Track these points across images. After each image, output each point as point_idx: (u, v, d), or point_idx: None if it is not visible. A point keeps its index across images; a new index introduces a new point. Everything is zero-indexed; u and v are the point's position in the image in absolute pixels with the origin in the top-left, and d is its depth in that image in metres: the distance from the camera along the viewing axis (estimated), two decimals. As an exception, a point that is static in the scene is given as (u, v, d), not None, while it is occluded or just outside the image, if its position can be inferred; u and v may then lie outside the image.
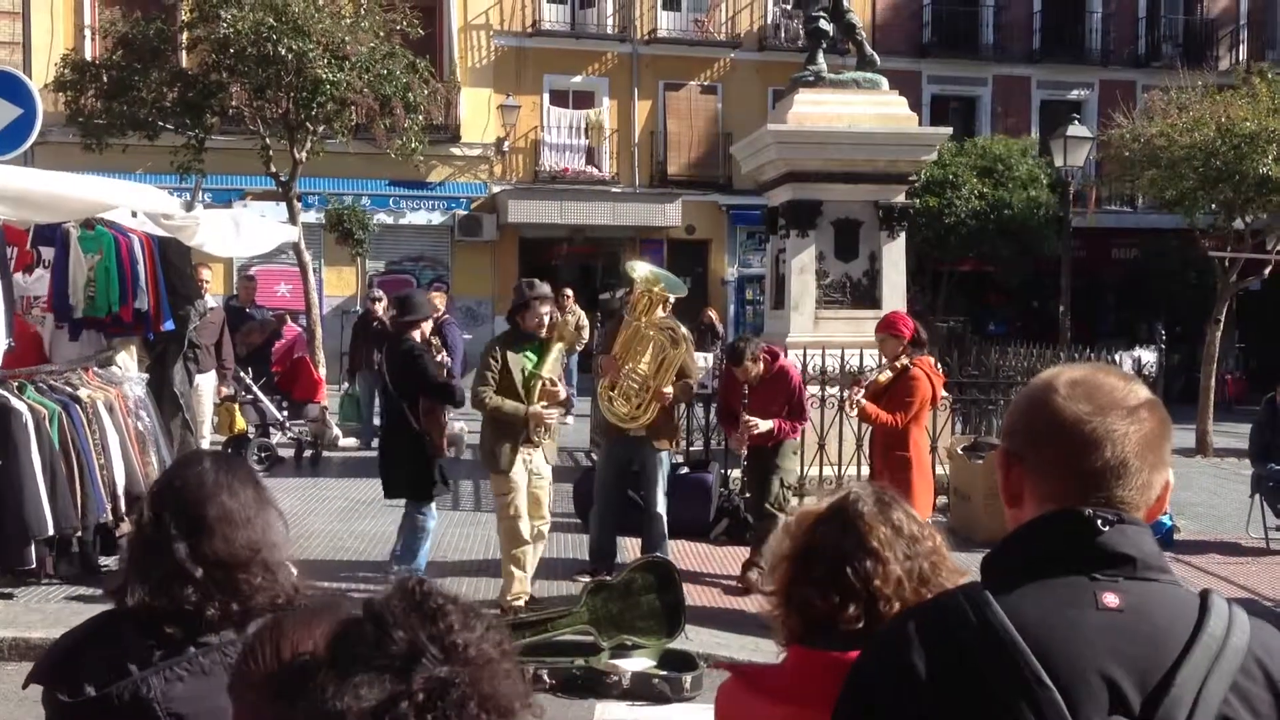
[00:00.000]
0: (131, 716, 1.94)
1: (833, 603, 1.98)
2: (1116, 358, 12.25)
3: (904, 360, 7.40)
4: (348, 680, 1.23)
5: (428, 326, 8.26)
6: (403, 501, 7.81)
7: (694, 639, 6.93)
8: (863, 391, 7.42)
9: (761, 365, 7.96)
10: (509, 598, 7.25)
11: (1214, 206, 16.49)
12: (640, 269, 8.24)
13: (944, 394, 10.26)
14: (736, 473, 10.33)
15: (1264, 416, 11.14)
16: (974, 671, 1.50)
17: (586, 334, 16.45)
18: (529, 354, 7.36)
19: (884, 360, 7.59)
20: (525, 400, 7.23)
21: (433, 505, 7.97)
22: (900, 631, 1.59)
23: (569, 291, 17.84)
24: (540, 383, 7.28)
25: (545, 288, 7.66)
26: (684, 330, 8.01)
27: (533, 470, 7.39)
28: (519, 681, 1.30)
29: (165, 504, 2.08)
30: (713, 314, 20.34)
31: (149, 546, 2.04)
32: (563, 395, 7.44)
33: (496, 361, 7.29)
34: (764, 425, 7.86)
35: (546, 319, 7.43)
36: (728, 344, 9.41)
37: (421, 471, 7.75)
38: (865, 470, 9.40)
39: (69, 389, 7.66)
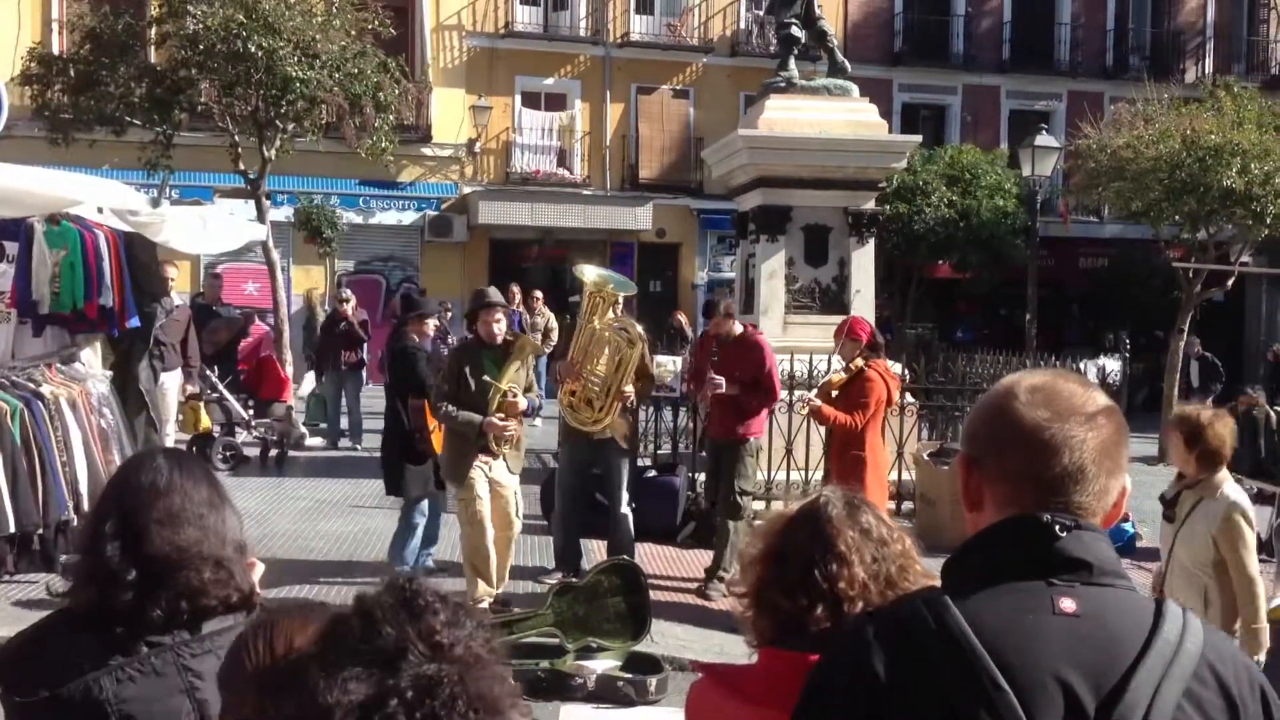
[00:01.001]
0: (84, 717, 1.92)
1: (801, 605, 1.99)
2: (1081, 366, 12.35)
3: (858, 362, 7.56)
4: (336, 675, 1.23)
5: (431, 325, 8.30)
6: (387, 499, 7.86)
7: (660, 642, 6.94)
8: (814, 393, 7.50)
9: (734, 322, 8.11)
10: (472, 600, 7.23)
11: (1179, 218, 16.65)
12: (589, 272, 8.24)
13: (909, 399, 10.34)
14: (703, 475, 10.36)
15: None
16: (932, 675, 1.51)
17: (556, 337, 16.44)
18: (490, 363, 7.34)
19: (845, 363, 7.75)
20: (485, 411, 7.22)
21: (424, 504, 7.97)
22: (859, 635, 1.60)
23: (538, 294, 17.83)
24: (498, 394, 7.25)
25: (495, 296, 7.66)
26: (639, 329, 8.00)
27: (494, 479, 7.36)
28: (508, 681, 1.31)
29: (111, 502, 2.06)
30: (682, 318, 20.38)
31: (91, 545, 2.03)
32: (523, 406, 7.39)
33: (454, 371, 7.30)
34: (725, 386, 7.86)
35: (498, 328, 7.42)
36: (707, 301, 9.63)
37: (409, 469, 7.81)
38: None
39: (31, 385, 7.58)
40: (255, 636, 1.55)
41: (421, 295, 17.02)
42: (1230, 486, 4.91)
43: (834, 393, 7.70)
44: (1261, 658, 4.73)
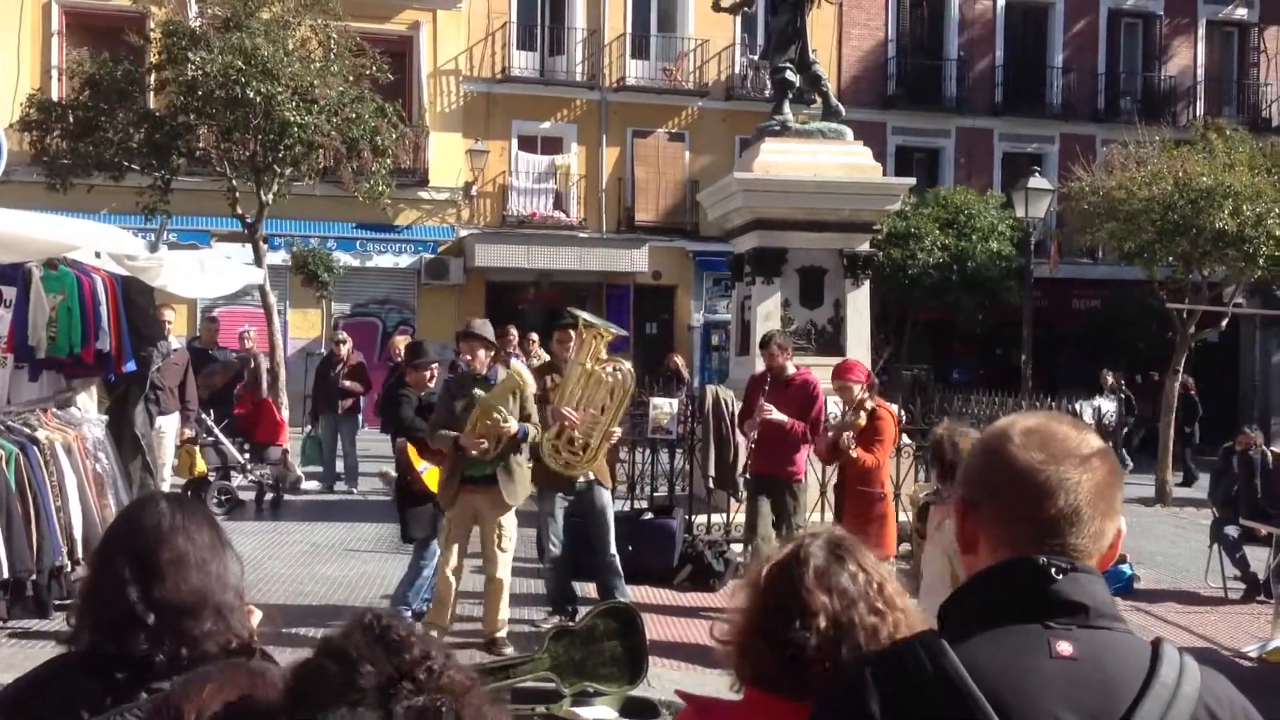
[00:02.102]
0: (83, 763, 1.91)
1: (781, 657, 1.98)
2: (1077, 407, 12.36)
3: (869, 403, 7.71)
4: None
5: (431, 373, 8.35)
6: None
7: (656, 686, 6.88)
8: (852, 436, 7.61)
9: (786, 359, 8.37)
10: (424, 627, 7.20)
11: (1172, 259, 16.73)
12: (583, 315, 8.27)
13: (905, 440, 10.35)
14: (701, 519, 10.33)
15: (1221, 465, 11.29)
16: (929, 719, 1.51)
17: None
18: (477, 392, 7.42)
19: (845, 406, 7.82)
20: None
21: (432, 545, 7.98)
22: (857, 679, 1.60)
23: (534, 336, 17.82)
24: (481, 412, 7.30)
25: (477, 328, 7.77)
26: (628, 366, 8.03)
27: (478, 509, 7.40)
28: (503, 711, 1.30)
29: (118, 546, 2.05)
30: (678, 360, 20.36)
31: (100, 590, 2.01)
32: (511, 428, 7.42)
33: (444, 400, 7.52)
34: (778, 415, 8.06)
35: (479, 357, 7.56)
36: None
37: (411, 512, 7.86)
38: (829, 515, 9.45)
39: (27, 430, 7.57)
40: (158, 715, 1.54)
41: (416, 339, 17.01)
42: None
43: (847, 434, 7.76)
44: None
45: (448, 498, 7.41)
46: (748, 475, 8.67)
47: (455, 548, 7.46)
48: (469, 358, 7.66)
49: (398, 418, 8.16)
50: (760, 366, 10.88)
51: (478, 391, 7.44)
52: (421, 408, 8.20)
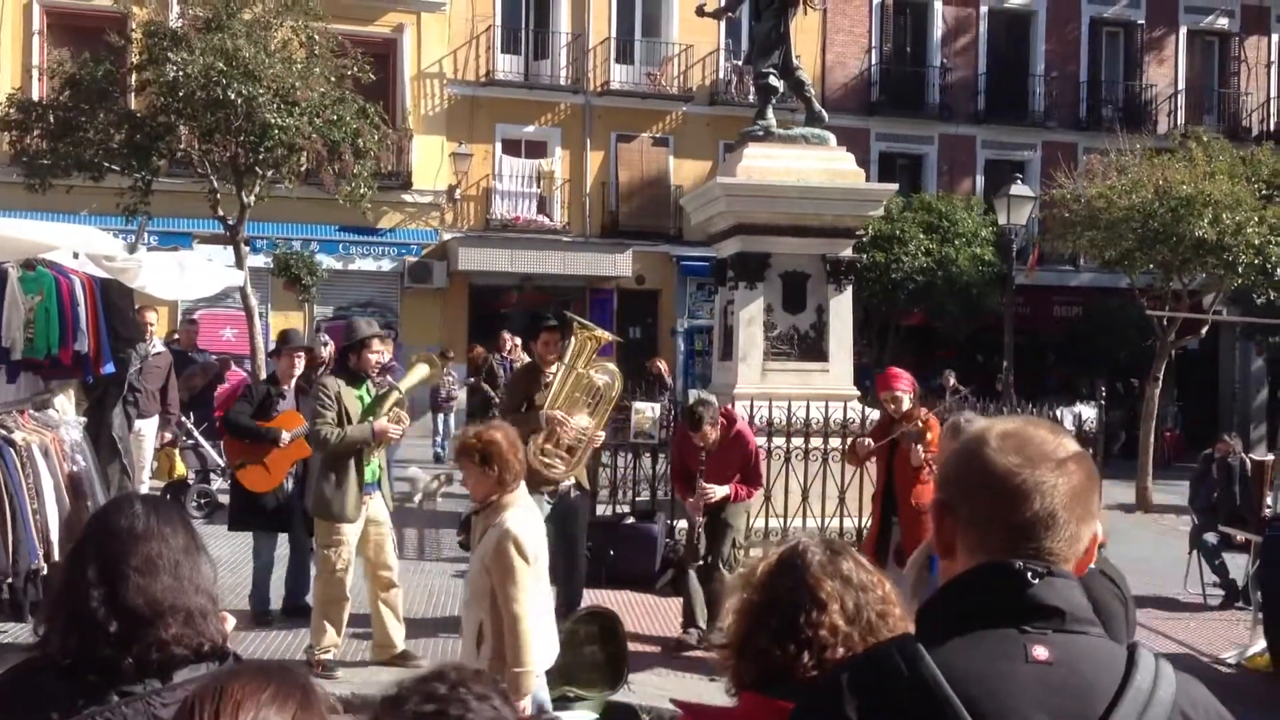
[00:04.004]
0: (53, 767, 1.90)
1: (788, 653, 1.99)
2: (1058, 413, 12.41)
3: (924, 412, 7.40)
4: None
5: (292, 361, 8.40)
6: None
7: (637, 690, 6.87)
8: (924, 451, 7.10)
9: (719, 431, 7.92)
10: (318, 650, 7.06)
11: (1152, 267, 16.84)
12: (577, 318, 8.27)
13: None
14: (682, 524, 10.31)
15: (1201, 472, 11.34)
16: (906, 723, 1.50)
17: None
18: (362, 394, 7.28)
19: (896, 418, 7.41)
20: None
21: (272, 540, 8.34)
22: (834, 683, 1.60)
23: (506, 335, 17.80)
24: (389, 402, 7.24)
25: (366, 329, 7.56)
26: (617, 371, 8.01)
27: (371, 518, 7.24)
28: None
29: (89, 549, 2.04)
30: (661, 365, 20.36)
31: (67, 593, 2.00)
32: (407, 421, 7.45)
33: (330, 399, 7.14)
34: (720, 491, 7.85)
35: (375, 359, 7.49)
36: (685, 408, 9.13)
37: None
38: (811, 522, 9.46)
39: (3, 431, 7.50)
40: (201, 705, 1.52)
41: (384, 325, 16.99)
42: (513, 513, 4.39)
43: (869, 440, 7.62)
44: (525, 704, 4.24)
45: (354, 510, 7.08)
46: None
47: (352, 567, 7.19)
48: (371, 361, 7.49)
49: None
50: (742, 378, 10.87)
51: (360, 401, 7.27)
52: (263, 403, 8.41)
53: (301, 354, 8.60)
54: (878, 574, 2.13)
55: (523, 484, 4.50)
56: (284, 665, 1.63)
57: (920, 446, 7.14)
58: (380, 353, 7.62)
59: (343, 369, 7.40)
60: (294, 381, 8.52)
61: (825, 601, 2.01)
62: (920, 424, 7.22)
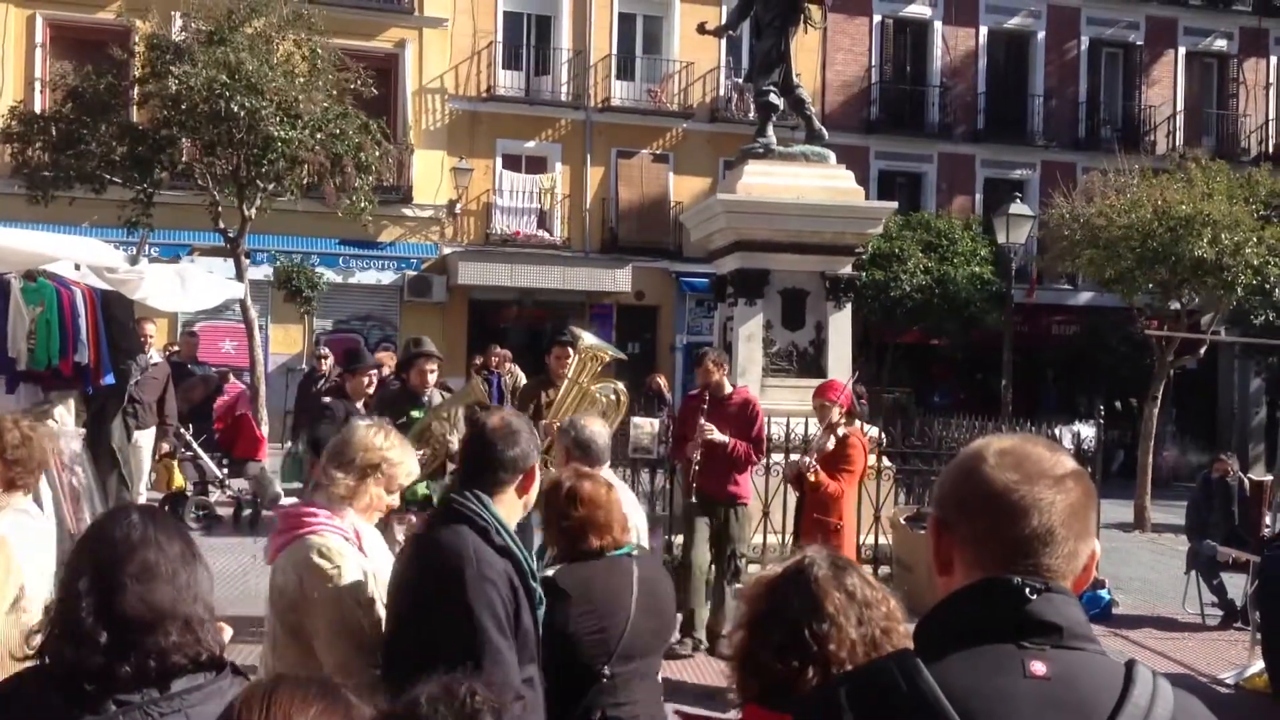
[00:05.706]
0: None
1: (791, 667, 1.99)
2: (1056, 432, 12.41)
3: (841, 428, 7.42)
4: None
5: (370, 379, 8.29)
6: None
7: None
8: (815, 458, 7.27)
9: (722, 375, 7.98)
10: None
11: (1151, 286, 16.85)
12: (587, 337, 8.28)
13: (886, 464, 10.36)
14: (680, 538, 10.30)
15: (1200, 493, 11.33)
16: (904, 738, 1.51)
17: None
18: (414, 414, 7.35)
19: (821, 427, 7.59)
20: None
21: None
22: (832, 698, 1.60)
23: (496, 348, 17.77)
24: (426, 428, 7.24)
25: (429, 346, 7.76)
26: (622, 387, 8.02)
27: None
28: None
29: (84, 559, 2.04)
30: (661, 380, 20.35)
31: (61, 603, 2.01)
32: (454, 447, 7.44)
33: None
34: (719, 435, 7.81)
35: (430, 377, 7.57)
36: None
37: None
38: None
39: (2, 442, 7.50)
40: (250, 707, 1.53)
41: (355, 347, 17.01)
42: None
43: (809, 456, 7.65)
44: None
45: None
46: (691, 497, 8.31)
47: None
48: (421, 378, 7.57)
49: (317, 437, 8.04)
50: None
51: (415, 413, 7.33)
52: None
53: (375, 372, 8.55)
54: (882, 590, 2.14)
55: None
56: (324, 680, 1.63)
57: (811, 458, 7.21)
58: (433, 371, 7.65)
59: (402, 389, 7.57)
60: (365, 399, 8.43)
61: (830, 616, 2.02)
62: (834, 436, 7.28)
